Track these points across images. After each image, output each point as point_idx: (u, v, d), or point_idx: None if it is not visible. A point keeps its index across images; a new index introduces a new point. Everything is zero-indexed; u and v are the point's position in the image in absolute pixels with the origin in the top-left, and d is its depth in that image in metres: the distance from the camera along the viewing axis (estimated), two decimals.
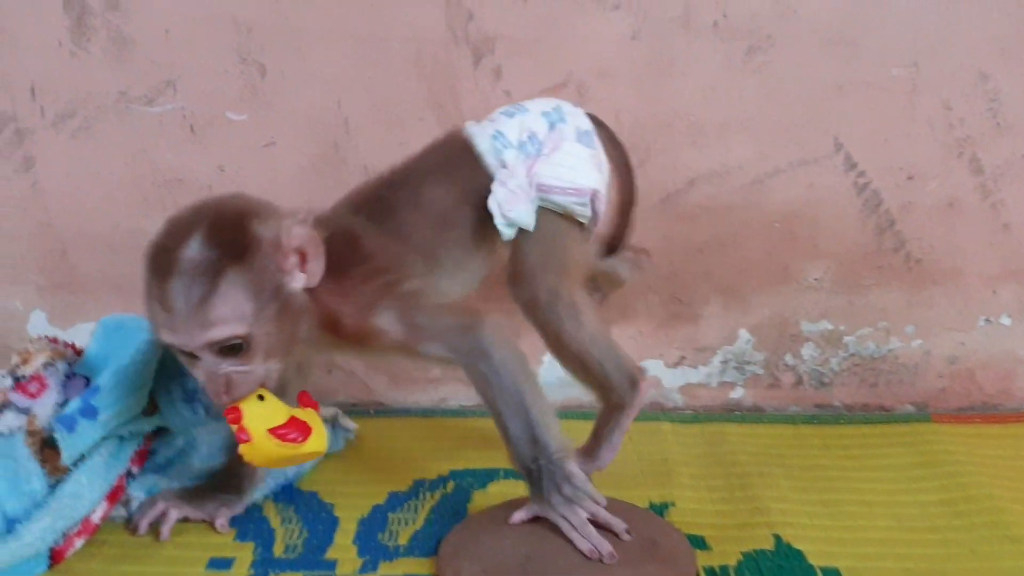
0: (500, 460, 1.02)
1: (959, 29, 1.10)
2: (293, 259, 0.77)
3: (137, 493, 0.92)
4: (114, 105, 1.16)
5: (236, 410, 0.77)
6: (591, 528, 0.79)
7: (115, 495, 0.90)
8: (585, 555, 0.78)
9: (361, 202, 0.90)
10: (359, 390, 1.23)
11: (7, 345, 1.23)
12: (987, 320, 1.19)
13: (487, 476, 1.00)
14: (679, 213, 1.16)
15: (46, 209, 1.20)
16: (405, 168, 0.93)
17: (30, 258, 1.22)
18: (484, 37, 1.11)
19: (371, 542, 0.87)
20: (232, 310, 0.73)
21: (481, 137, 0.91)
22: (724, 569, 0.82)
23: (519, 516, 0.83)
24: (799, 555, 0.84)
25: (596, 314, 0.92)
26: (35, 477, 0.84)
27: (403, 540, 0.87)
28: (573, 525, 0.79)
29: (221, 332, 0.73)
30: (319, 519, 0.92)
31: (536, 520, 0.82)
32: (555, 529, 0.80)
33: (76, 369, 0.93)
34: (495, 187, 0.88)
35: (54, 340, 0.96)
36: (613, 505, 0.82)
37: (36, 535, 0.80)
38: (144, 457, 0.95)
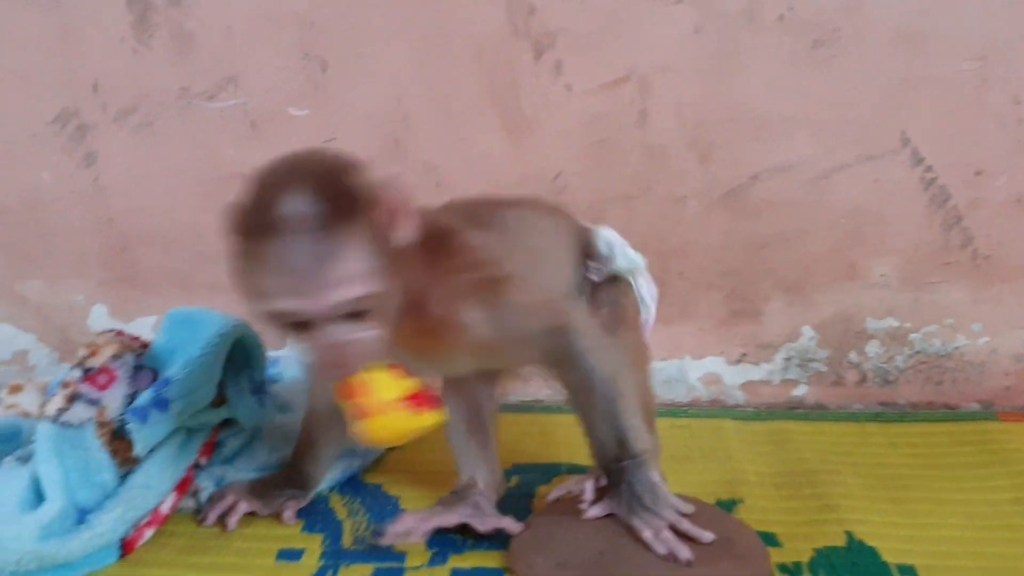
0: (562, 455, 1.02)
1: None
2: (392, 216, 0.71)
3: (205, 484, 0.92)
4: (176, 101, 1.17)
5: (350, 384, 0.73)
6: (669, 533, 0.77)
7: (184, 486, 0.91)
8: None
9: (453, 207, 0.88)
10: None
11: (69, 338, 1.25)
12: None
13: (550, 471, 1.00)
14: (742, 208, 1.15)
15: (108, 204, 1.22)
16: (500, 198, 0.91)
17: (92, 252, 1.23)
18: (545, 31, 1.11)
19: (440, 534, 0.86)
20: (359, 267, 0.67)
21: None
22: (797, 566, 0.81)
23: (595, 511, 0.81)
24: (872, 552, 0.83)
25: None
26: (106, 468, 0.85)
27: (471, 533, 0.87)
28: (652, 530, 0.78)
29: (351, 291, 0.67)
30: (386, 511, 0.92)
31: (611, 515, 0.81)
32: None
33: (144, 361, 0.93)
34: (602, 231, 0.89)
35: (120, 333, 0.97)
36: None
37: (107, 525, 0.81)
38: (212, 449, 0.96)
